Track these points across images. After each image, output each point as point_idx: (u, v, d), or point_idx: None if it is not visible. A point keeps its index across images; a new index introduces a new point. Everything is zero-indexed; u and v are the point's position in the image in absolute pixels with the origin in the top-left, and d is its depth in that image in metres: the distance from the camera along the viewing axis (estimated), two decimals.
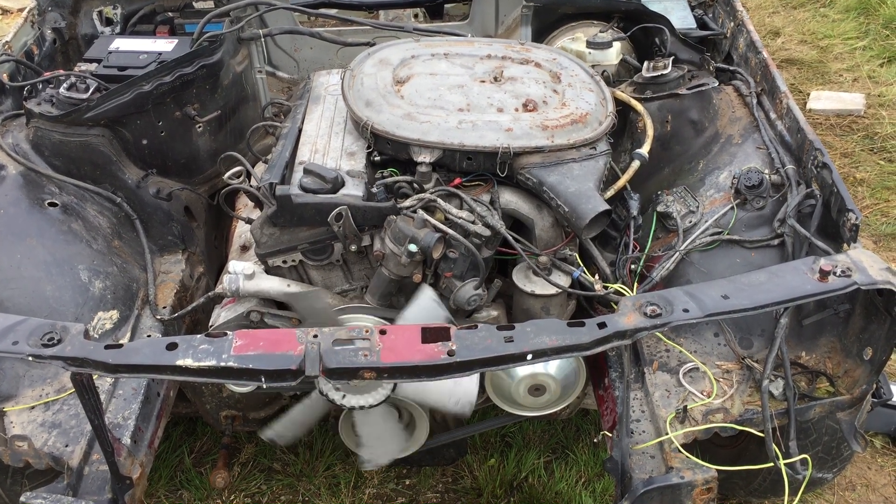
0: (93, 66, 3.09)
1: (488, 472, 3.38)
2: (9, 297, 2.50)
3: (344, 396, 2.23)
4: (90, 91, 2.89)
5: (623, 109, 2.99)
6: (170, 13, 3.58)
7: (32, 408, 2.35)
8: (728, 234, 2.62)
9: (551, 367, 2.55)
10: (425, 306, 2.40)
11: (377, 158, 2.65)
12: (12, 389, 2.38)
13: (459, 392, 2.41)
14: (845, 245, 2.35)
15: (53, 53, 3.46)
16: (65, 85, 2.91)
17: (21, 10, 6.63)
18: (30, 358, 1.89)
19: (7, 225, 2.65)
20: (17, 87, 3.13)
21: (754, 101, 3.00)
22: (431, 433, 2.71)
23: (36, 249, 2.62)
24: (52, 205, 2.77)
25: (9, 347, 1.91)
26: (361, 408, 2.24)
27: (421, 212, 2.45)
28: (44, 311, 2.49)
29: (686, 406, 2.34)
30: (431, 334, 1.96)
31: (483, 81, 2.76)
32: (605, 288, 2.57)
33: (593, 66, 3.04)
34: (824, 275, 2.08)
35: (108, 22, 3.58)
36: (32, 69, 3.25)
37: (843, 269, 2.09)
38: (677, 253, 2.62)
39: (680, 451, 2.25)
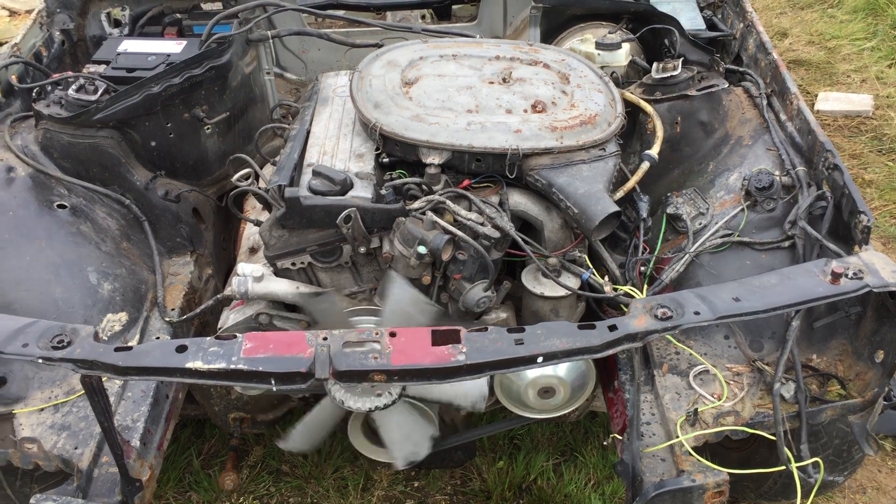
0: (101, 68, 3.09)
1: (497, 474, 3.37)
2: (18, 298, 2.50)
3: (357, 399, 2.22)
4: (99, 93, 2.89)
5: (632, 111, 2.98)
6: (178, 15, 3.57)
7: (42, 410, 2.35)
8: (738, 235, 2.61)
9: (561, 370, 2.54)
10: (401, 296, 2.38)
11: (386, 160, 2.65)
12: (22, 391, 2.38)
13: (467, 387, 2.40)
14: (857, 247, 2.34)
15: (62, 55, 3.47)
16: (73, 87, 2.91)
17: (29, 11, 6.66)
18: (40, 360, 1.89)
19: (16, 227, 2.65)
20: (26, 89, 3.13)
21: (764, 102, 2.99)
22: (441, 435, 2.70)
23: (45, 251, 2.62)
24: (61, 206, 2.78)
25: (19, 350, 1.91)
26: (373, 409, 2.23)
27: (430, 213, 2.45)
28: (53, 314, 2.49)
29: (697, 409, 2.32)
30: (441, 336, 1.95)
31: (492, 83, 2.75)
32: (615, 290, 2.56)
33: (602, 68, 3.03)
34: (836, 277, 2.06)
35: (117, 23, 3.58)
36: (41, 71, 3.26)
37: (855, 271, 2.08)
38: (687, 255, 2.61)
39: (691, 454, 2.24)
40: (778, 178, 2.66)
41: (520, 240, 2.51)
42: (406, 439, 2.51)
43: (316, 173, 2.53)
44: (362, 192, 2.50)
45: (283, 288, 2.57)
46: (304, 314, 2.66)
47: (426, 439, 2.55)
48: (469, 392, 2.41)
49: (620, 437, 2.41)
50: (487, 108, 2.63)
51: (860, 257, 2.16)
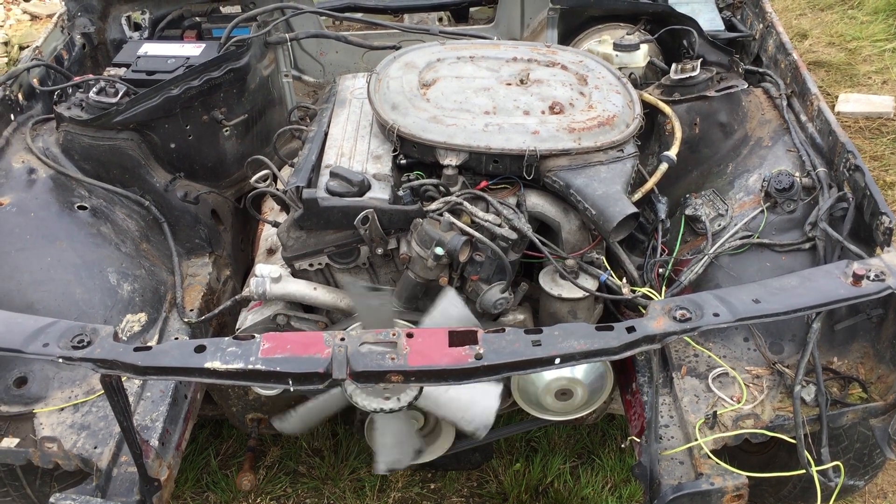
0: (122, 71, 3.12)
1: (514, 476, 3.36)
2: (39, 299, 2.52)
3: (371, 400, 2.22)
4: (119, 95, 2.91)
5: (651, 112, 2.96)
6: (197, 18, 3.60)
7: (62, 409, 2.37)
8: (758, 237, 2.59)
9: (579, 372, 2.53)
10: (448, 310, 2.38)
11: (403, 162, 2.65)
12: (42, 391, 2.40)
13: (475, 411, 2.39)
14: (878, 249, 2.32)
15: (83, 58, 3.50)
16: (94, 89, 2.94)
17: (50, 15, 6.73)
18: (60, 360, 1.91)
19: (37, 228, 2.68)
20: (48, 92, 3.17)
21: (784, 103, 2.97)
22: (457, 437, 2.69)
23: (66, 252, 2.65)
24: (82, 208, 2.80)
25: (39, 349, 1.93)
26: (389, 410, 2.23)
27: (447, 215, 2.44)
28: (73, 314, 2.51)
29: (716, 412, 2.31)
30: (458, 338, 1.95)
31: (509, 84, 2.75)
32: (633, 292, 2.55)
33: (620, 69, 3.02)
34: (858, 279, 2.04)
35: (137, 27, 3.61)
36: (62, 74, 3.29)
37: (877, 272, 2.06)
38: (706, 256, 2.59)
39: (710, 458, 2.23)
40: (798, 179, 2.64)
41: (537, 241, 2.50)
42: (396, 447, 2.50)
43: (333, 175, 2.54)
44: (380, 193, 2.51)
45: (301, 289, 2.58)
46: (322, 315, 2.66)
47: (412, 451, 2.55)
48: (475, 418, 2.40)
49: (638, 440, 2.40)
50: (505, 110, 2.62)
51: (882, 259, 2.14)
